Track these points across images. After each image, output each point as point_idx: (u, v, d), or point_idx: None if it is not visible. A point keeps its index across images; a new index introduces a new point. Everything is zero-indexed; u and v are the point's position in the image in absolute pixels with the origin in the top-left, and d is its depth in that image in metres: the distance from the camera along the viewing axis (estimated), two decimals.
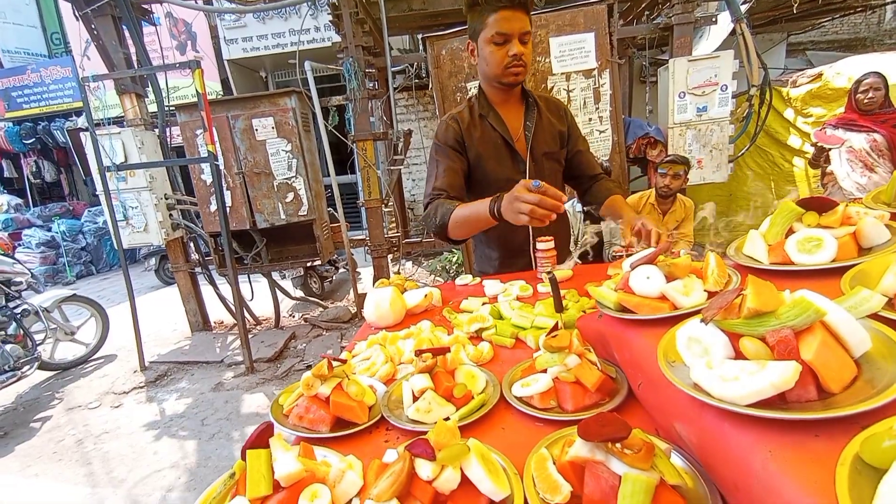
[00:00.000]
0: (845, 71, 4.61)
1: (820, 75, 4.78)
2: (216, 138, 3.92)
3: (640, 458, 0.60)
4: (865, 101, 3.36)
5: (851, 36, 8.48)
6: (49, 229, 8.25)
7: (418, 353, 0.96)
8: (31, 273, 4.12)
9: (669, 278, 0.86)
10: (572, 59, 3.76)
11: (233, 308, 4.11)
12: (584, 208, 1.75)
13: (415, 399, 0.91)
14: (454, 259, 5.71)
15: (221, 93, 7.90)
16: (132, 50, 4.41)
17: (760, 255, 0.91)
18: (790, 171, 5.07)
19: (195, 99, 3.68)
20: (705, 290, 0.84)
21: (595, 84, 3.82)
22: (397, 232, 4.85)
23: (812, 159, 3.87)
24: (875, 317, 0.62)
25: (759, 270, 0.88)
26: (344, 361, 0.99)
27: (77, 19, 4.20)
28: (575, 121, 1.70)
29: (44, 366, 4.12)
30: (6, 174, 9.54)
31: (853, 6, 6.10)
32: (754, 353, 0.58)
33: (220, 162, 3.99)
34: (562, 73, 3.80)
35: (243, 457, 0.70)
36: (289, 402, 0.97)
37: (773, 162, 5.18)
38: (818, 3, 5.32)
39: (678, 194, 3.47)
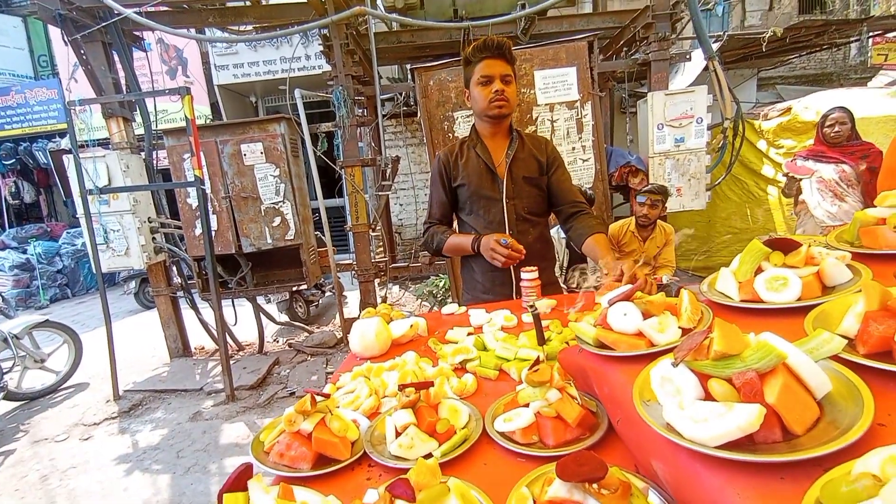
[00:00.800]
0: (813, 105, 4.83)
1: (789, 109, 5.00)
2: (204, 163, 3.92)
3: (617, 497, 0.62)
4: (832, 134, 3.51)
5: (819, 71, 8.92)
6: (24, 251, 8.05)
7: (402, 387, 0.97)
8: (2, 297, 4.01)
9: (646, 315, 0.89)
10: (556, 91, 3.90)
11: (215, 333, 4.04)
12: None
13: (398, 435, 0.91)
14: (441, 284, 5.72)
15: (211, 117, 7.94)
16: (121, 74, 4.43)
17: (731, 291, 0.94)
18: (765, 199, 5.24)
19: (184, 123, 3.70)
20: (679, 327, 0.87)
21: (578, 115, 3.95)
22: (384, 256, 4.86)
23: (785, 188, 4.01)
24: (837, 358, 0.64)
25: (729, 308, 0.92)
26: (327, 396, 0.99)
27: (66, 44, 4.21)
28: (557, 153, 1.88)
29: (10, 396, 3.97)
30: None
31: (819, 44, 6.42)
32: (722, 395, 0.60)
33: (207, 186, 3.98)
34: (546, 105, 3.92)
35: (220, 501, 0.70)
36: (270, 439, 0.96)
37: (748, 190, 5.36)
38: (786, 42, 5.61)
39: (658, 221, 3.57)
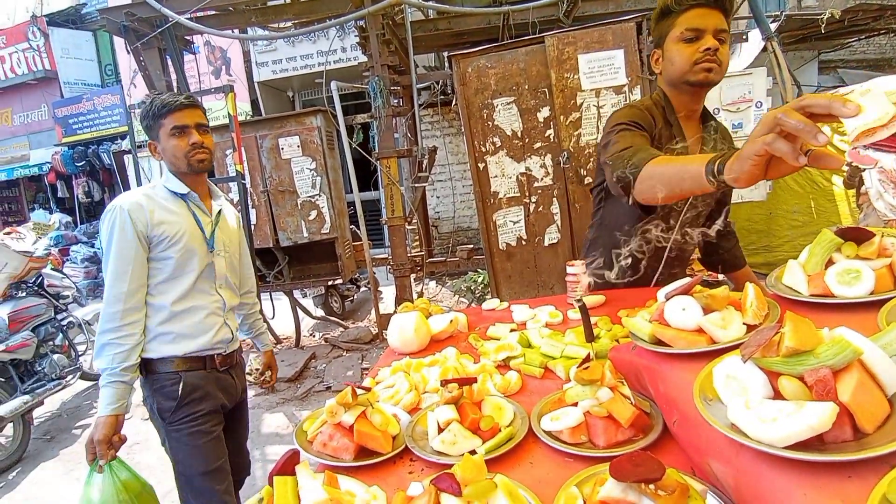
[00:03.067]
0: (875, 90, 4.49)
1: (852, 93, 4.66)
2: (244, 157, 4.04)
3: (675, 499, 0.59)
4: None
5: (879, 56, 8.32)
6: (93, 245, 8.78)
7: (444, 383, 0.95)
8: (77, 287, 4.29)
9: (706, 310, 0.83)
10: (602, 75, 3.75)
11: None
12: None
13: (440, 431, 0.90)
14: (480, 279, 5.67)
15: (251, 113, 8.17)
16: (174, 77, 4.65)
17: (800, 285, 0.88)
18: (830, 190, 4.91)
19: (226, 120, 3.82)
20: (744, 324, 0.82)
21: (626, 100, 3.79)
22: (421, 251, 4.87)
23: (847, 178, 3.75)
24: None
25: (798, 302, 0.86)
26: (368, 389, 0.99)
27: (128, 52, 4.49)
28: None
29: (84, 376, 4.24)
30: (60, 194, 10.25)
31: (876, 28, 6.05)
32: (792, 393, 0.57)
33: (247, 181, 4.10)
34: (591, 90, 3.78)
35: (270, 482, 0.71)
36: (313, 429, 0.97)
37: (812, 180, 5.03)
38: (844, 24, 5.24)
39: None
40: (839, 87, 5.69)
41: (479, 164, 3.54)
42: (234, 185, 4.16)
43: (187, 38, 4.87)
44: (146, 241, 1.47)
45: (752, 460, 0.58)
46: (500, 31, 4.55)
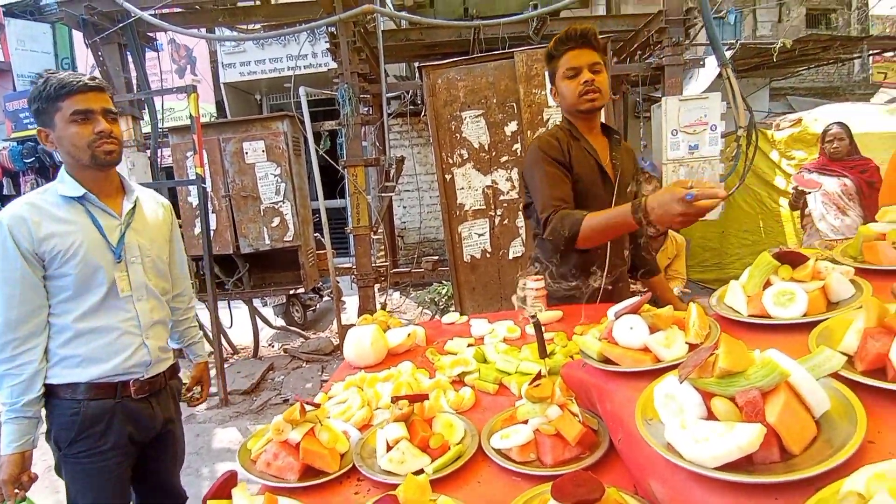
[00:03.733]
0: (822, 117, 4.79)
1: (800, 120, 4.96)
2: (206, 160, 3.91)
3: None
4: (831, 149, 3.57)
5: (826, 84, 8.96)
6: None
7: (394, 399, 0.94)
8: None
9: (653, 329, 0.85)
10: None
11: (210, 335, 4.01)
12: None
13: (389, 448, 0.88)
14: (444, 291, 5.66)
15: (216, 114, 7.95)
16: (134, 73, 4.47)
17: (740, 306, 0.92)
18: (777, 211, 5.19)
19: (188, 121, 3.70)
20: (687, 343, 0.84)
21: None
22: (386, 261, 4.84)
23: (792, 201, 3.97)
24: (836, 375, 0.64)
25: (737, 323, 0.89)
26: (317, 406, 0.96)
27: (87, 46, 4.29)
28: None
29: None
30: (6, 192, 9.68)
31: (825, 58, 6.49)
32: (724, 414, 0.59)
33: (208, 184, 3.97)
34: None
35: None
36: (257, 447, 0.93)
37: (760, 202, 5.31)
38: (795, 53, 5.59)
39: (670, 232, 3.52)
40: (788, 113, 6.04)
41: (446, 176, 3.56)
42: (193, 189, 4.02)
43: (150, 34, 4.72)
44: (36, 259, 1.25)
45: (686, 481, 0.59)
46: (471, 45, 4.62)
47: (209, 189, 4.00)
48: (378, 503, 0.65)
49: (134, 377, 1.36)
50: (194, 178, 3.72)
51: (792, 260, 0.91)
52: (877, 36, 6.74)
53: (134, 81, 4.51)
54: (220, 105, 8.14)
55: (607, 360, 0.87)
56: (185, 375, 1.69)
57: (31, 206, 1.27)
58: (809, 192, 3.68)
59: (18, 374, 1.24)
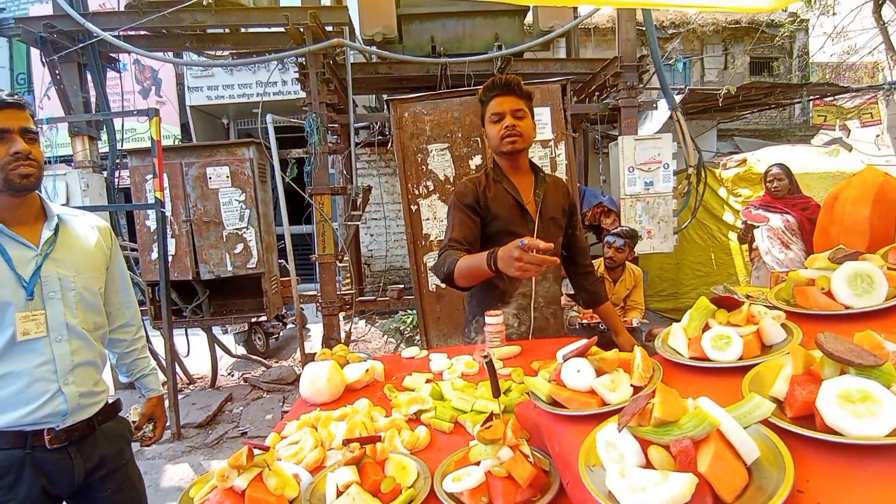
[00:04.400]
0: (765, 158, 5.16)
1: (745, 161, 5.31)
2: (166, 185, 3.81)
3: None
4: (772, 189, 3.84)
5: (769, 127, 9.66)
6: None
7: (346, 442, 0.92)
8: None
9: (599, 372, 0.88)
10: None
11: (164, 364, 3.82)
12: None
13: (339, 494, 0.86)
14: (409, 321, 5.62)
15: (181, 137, 7.80)
16: (93, 93, 4.35)
17: (681, 348, 0.96)
18: (727, 244, 5.48)
19: (150, 144, 3.61)
20: (631, 385, 0.87)
21: (552, 153, 4.05)
22: (351, 289, 4.78)
23: (741, 235, 4.21)
24: (766, 421, 0.67)
25: (679, 365, 0.93)
26: (266, 449, 0.93)
27: (43, 65, 4.16)
28: (575, 201, 1.90)
29: None
30: None
31: (767, 103, 7.04)
32: (660, 463, 0.61)
33: (168, 209, 3.86)
34: None
35: None
36: (200, 496, 0.89)
37: (711, 235, 5.60)
38: (739, 98, 6.04)
39: (627, 263, 3.65)
40: (734, 153, 6.46)
41: (412, 207, 3.60)
42: (152, 213, 3.89)
43: (112, 55, 4.62)
44: None
45: None
46: (438, 81, 4.75)
47: (168, 213, 3.88)
48: None
49: (49, 426, 1.22)
50: (153, 202, 3.62)
51: (728, 305, 0.97)
52: (815, 83, 7.34)
53: (93, 101, 4.39)
54: (185, 128, 8.00)
55: (556, 403, 0.89)
56: (135, 412, 1.57)
57: None
58: (758, 226, 3.91)
59: None
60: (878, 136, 8.84)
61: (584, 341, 0.95)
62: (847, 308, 0.94)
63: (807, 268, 1.09)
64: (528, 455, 0.89)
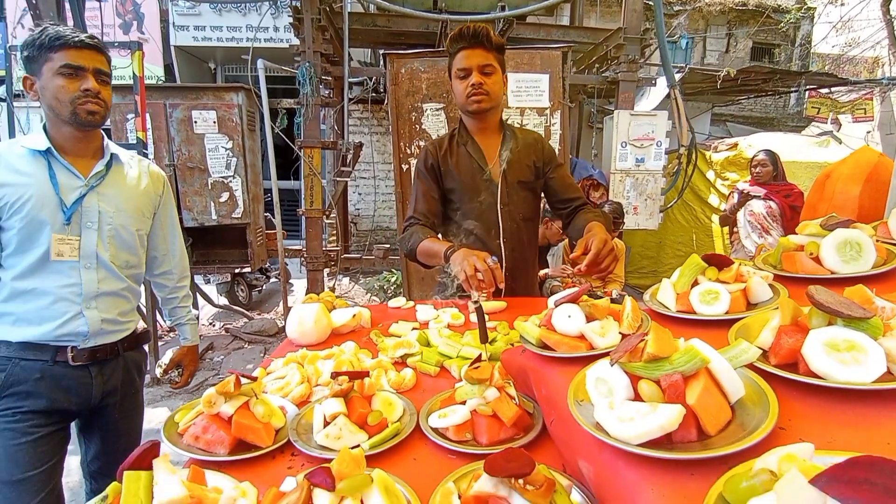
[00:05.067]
0: (756, 144, 5.20)
1: (736, 145, 5.34)
2: (149, 125, 3.67)
3: (541, 494, 0.62)
4: (755, 174, 3.88)
5: (763, 115, 9.69)
6: None
7: (334, 374, 0.93)
8: None
9: (589, 318, 0.90)
10: (528, 95, 3.94)
11: (144, 310, 3.77)
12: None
13: (326, 424, 0.87)
14: (393, 279, 5.63)
15: (164, 78, 7.45)
16: (70, 23, 4.09)
17: (669, 302, 0.98)
18: (709, 226, 5.57)
19: (132, 80, 3.44)
20: (620, 333, 0.89)
21: (547, 122, 4.01)
22: (337, 245, 4.74)
23: (722, 218, 4.27)
24: (752, 367, 0.69)
25: (666, 317, 0.95)
26: (254, 379, 0.93)
27: None
28: (552, 151, 1.75)
29: None
30: None
31: (765, 89, 7.02)
32: (649, 396, 0.62)
33: (150, 152, 3.73)
34: (516, 108, 3.96)
35: (119, 478, 0.64)
36: (185, 420, 0.89)
37: (695, 216, 5.67)
38: (738, 82, 6.01)
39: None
40: (726, 137, 6.49)
41: (403, 166, 3.54)
42: None
43: None
44: None
45: (611, 457, 0.63)
46: (437, 38, 4.61)
47: (151, 156, 3.75)
48: (311, 475, 0.64)
49: (71, 344, 1.30)
50: (134, 142, 3.48)
51: (718, 262, 0.99)
52: (814, 72, 7.34)
53: None
54: (168, 69, 7.64)
55: (545, 346, 0.90)
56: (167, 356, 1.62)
57: None
58: (737, 211, 3.96)
59: None
60: (868, 132, 8.96)
61: (575, 288, 0.96)
62: (833, 273, 0.96)
63: (797, 234, 1.10)
64: (514, 397, 0.90)
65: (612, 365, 0.66)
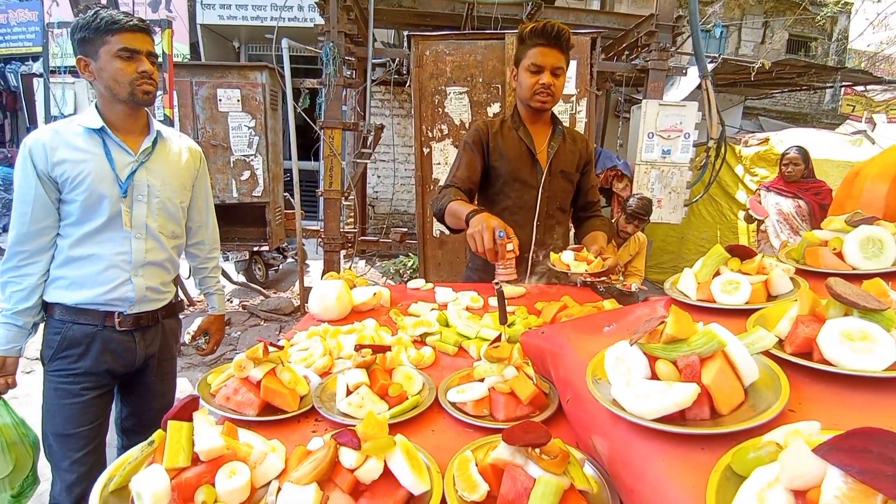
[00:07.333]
0: (788, 140, 5.04)
1: (767, 140, 5.19)
2: (175, 103, 3.73)
3: (556, 463, 0.64)
4: (786, 172, 3.76)
5: (796, 110, 9.38)
6: None
7: (358, 347, 0.96)
8: None
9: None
10: None
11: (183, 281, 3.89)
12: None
13: (348, 393, 0.91)
14: (410, 263, 5.67)
15: (189, 56, 7.53)
16: (104, 1, 4.17)
17: (690, 291, 0.99)
18: (734, 223, 5.45)
19: (160, 59, 3.51)
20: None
21: (572, 109, 3.95)
22: (354, 228, 4.79)
23: (748, 214, 4.19)
24: (768, 354, 0.71)
25: (686, 305, 0.96)
26: (281, 348, 0.97)
27: None
28: (592, 153, 1.87)
29: None
30: None
31: (799, 84, 6.78)
32: (666, 375, 0.65)
33: (176, 128, 3.80)
34: None
35: (164, 427, 0.68)
36: (217, 382, 0.94)
37: (721, 212, 5.55)
38: (772, 75, 5.82)
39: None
40: (757, 132, 6.32)
41: (424, 149, 3.55)
42: None
43: None
44: (51, 182, 1.32)
45: (626, 431, 0.65)
46: (463, 20, 4.56)
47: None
48: (338, 435, 0.68)
49: (118, 310, 1.40)
50: (162, 119, 3.55)
51: (742, 254, 0.99)
52: (850, 69, 7.09)
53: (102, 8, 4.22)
54: (194, 47, 7.71)
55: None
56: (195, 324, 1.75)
57: (53, 133, 1.33)
58: (757, 219, 3.89)
59: (19, 283, 1.33)
60: None
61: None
62: (854, 269, 0.96)
63: (822, 229, 1.09)
64: (532, 376, 0.93)
65: (631, 345, 0.68)
